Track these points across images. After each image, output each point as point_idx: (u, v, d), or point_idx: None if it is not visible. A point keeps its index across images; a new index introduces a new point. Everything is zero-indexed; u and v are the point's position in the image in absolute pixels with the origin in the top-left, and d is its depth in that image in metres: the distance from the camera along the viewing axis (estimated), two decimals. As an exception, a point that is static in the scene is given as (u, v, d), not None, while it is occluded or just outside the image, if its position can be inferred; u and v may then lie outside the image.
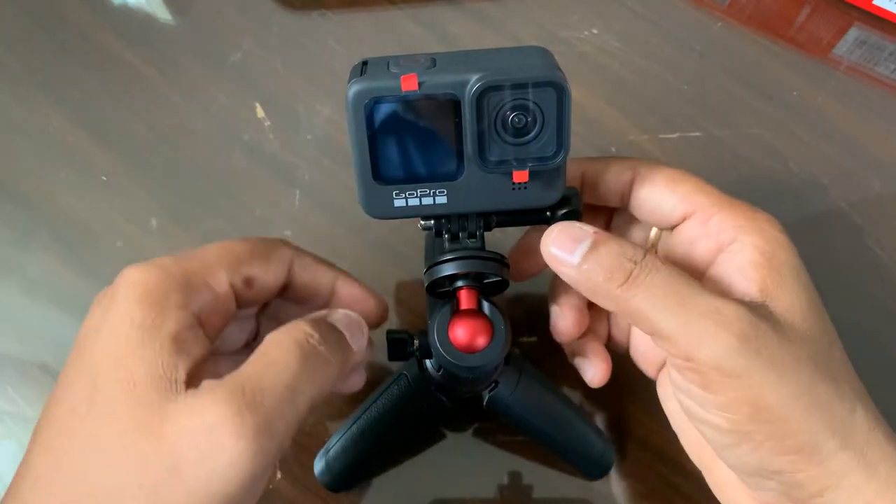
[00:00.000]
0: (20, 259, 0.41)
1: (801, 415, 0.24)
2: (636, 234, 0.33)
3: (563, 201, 0.29)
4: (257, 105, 0.45)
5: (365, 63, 0.27)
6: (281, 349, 0.25)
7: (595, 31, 0.48)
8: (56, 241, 0.42)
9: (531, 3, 0.49)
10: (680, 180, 0.29)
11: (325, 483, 0.34)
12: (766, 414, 0.24)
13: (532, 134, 0.26)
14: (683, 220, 0.29)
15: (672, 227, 0.30)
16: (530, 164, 0.27)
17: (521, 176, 0.27)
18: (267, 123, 0.45)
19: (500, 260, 0.29)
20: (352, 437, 0.33)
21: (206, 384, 0.24)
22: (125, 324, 0.24)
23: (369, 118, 0.26)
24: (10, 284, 0.41)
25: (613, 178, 0.30)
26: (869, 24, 0.48)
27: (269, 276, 0.29)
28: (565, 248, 0.26)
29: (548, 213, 0.29)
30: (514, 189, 0.28)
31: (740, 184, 0.43)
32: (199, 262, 0.27)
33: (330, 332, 0.27)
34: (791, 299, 0.26)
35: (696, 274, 0.28)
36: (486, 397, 0.33)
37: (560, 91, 0.26)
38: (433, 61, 0.26)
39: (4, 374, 0.39)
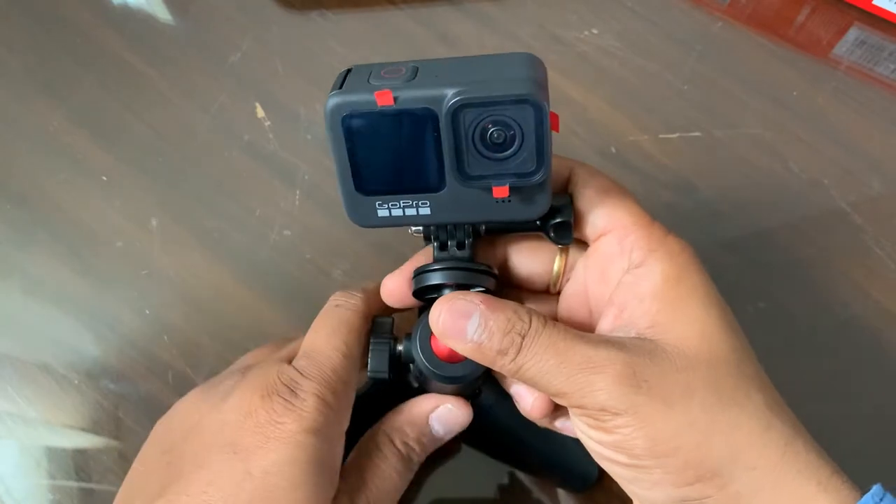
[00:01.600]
0: (20, 259, 0.41)
1: (698, 441, 0.25)
2: None
3: (554, 210, 0.29)
4: (257, 105, 0.45)
5: (348, 71, 0.27)
6: (390, 466, 0.30)
7: (595, 31, 0.48)
8: (56, 240, 0.42)
9: (531, 3, 0.49)
10: (609, 193, 0.29)
11: None
12: (661, 446, 0.25)
13: (511, 150, 0.26)
14: (604, 234, 0.29)
15: (593, 239, 0.30)
16: (509, 181, 0.26)
17: (500, 191, 0.26)
18: (267, 123, 0.45)
19: (486, 271, 0.29)
20: None
21: (346, 491, 0.29)
22: (302, 453, 0.27)
23: (348, 131, 0.26)
24: (10, 284, 0.41)
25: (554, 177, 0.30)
26: (869, 24, 0.48)
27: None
28: (457, 326, 0.26)
29: (538, 222, 0.29)
30: (497, 202, 0.27)
31: (740, 184, 0.43)
32: (337, 379, 0.29)
33: (430, 443, 0.32)
34: (685, 328, 0.26)
35: (608, 292, 0.29)
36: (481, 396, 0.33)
37: (537, 109, 0.25)
38: (415, 71, 0.26)
39: (4, 374, 0.39)
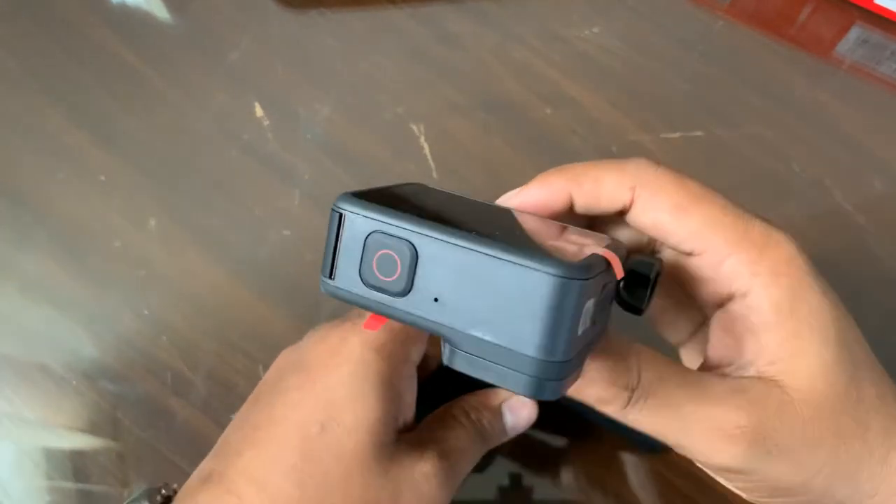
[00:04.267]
0: (18, 259, 0.41)
1: (823, 487, 0.24)
2: (625, 233, 0.29)
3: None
4: (256, 104, 0.45)
5: (340, 220, 0.21)
6: (466, 432, 0.31)
7: (596, 30, 0.47)
8: (54, 241, 0.42)
9: (532, 2, 0.48)
10: (688, 210, 0.25)
11: None
12: (785, 492, 0.25)
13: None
14: (691, 255, 0.26)
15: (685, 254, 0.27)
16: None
17: None
18: (266, 123, 0.45)
19: None
20: None
21: (416, 439, 0.29)
22: (363, 367, 0.27)
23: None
24: (7, 285, 0.41)
25: (607, 203, 0.26)
26: (871, 23, 0.48)
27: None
28: None
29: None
30: None
31: (742, 183, 0.43)
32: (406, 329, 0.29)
33: (500, 432, 0.32)
34: (811, 366, 0.24)
35: (695, 313, 0.27)
36: None
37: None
38: (412, 270, 0.20)
39: (2, 375, 0.39)
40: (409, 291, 0.20)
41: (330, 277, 0.21)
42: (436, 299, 0.20)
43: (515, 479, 0.36)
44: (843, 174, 0.43)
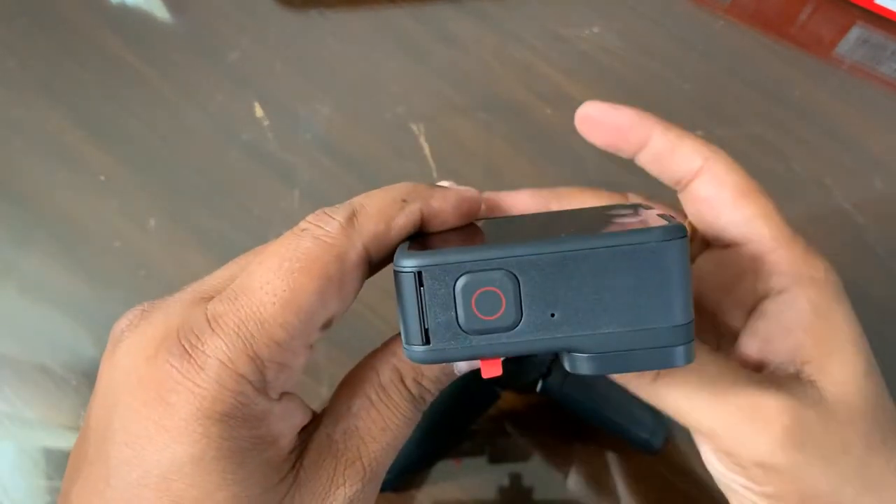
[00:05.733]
0: (18, 259, 0.41)
1: (852, 498, 0.24)
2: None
3: None
4: (256, 104, 0.45)
5: (419, 277, 0.19)
6: (399, 416, 0.23)
7: (596, 30, 0.47)
8: (54, 241, 0.42)
9: (532, 1, 0.48)
10: (749, 196, 0.26)
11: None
12: (814, 502, 0.23)
13: None
14: (735, 245, 0.26)
15: (723, 246, 0.27)
16: None
17: None
18: (266, 123, 0.45)
19: None
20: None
21: (318, 456, 0.22)
22: (203, 447, 0.20)
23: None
24: (7, 285, 0.41)
25: (680, 161, 0.27)
26: (871, 24, 0.48)
27: (346, 305, 0.22)
28: None
29: None
30: None
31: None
32: (263, 337, 0.20)
33: (448, 378, 0.24)
34: (844, 371, 0.24)
35: (738, 304, 0.26)
36: (540, 384, 0.33)
37: None
38: (518, 300, 0.19)
39: (2, 375, 0.39)
40: (520, 320, 0.19)
41: (425, 343, 0.19)
42: (552, 315, 0.19)
43: (515, 479, 0.36)
44: (842, 174, 0.43)
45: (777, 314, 0.25)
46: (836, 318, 0.24)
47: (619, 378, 0.24)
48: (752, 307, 0.26)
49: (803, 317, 0.24)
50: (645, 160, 0.28)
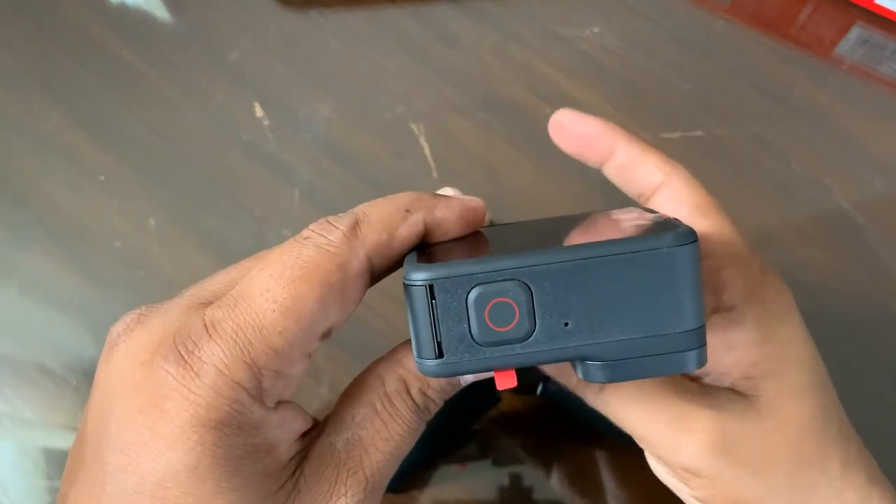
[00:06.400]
0: (17, 259, 0.41)
1: None
2: None
3: None
4: (256, 104, 0.45)
5: (430, 290, 0.19)
6: (403, 426, 0.23)
7: (596, 30, 0.47)
8: (53, 241, 0.42)
9: (532, 1, 0.48)
10: (706, 214, 0.26)
11: None
12: None
13: None
14: None
15: None
16: None
17: None
18: (266, 123, 0.45)
19: None
20: None
21: (319, 465, 0.22)
22: (199, 455, 0.20)
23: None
24: (7, 285, 0.41)
25: (643, 174, 0.28)
26: (871, 24, 0.48)
27: (347, 315, 0.22)
28: None
29: None
30: None
31: (742, 183, 0.43)
32: (262, 345, 0.20)
33: (454, 389, 0.25)
34: (782, 387, 0.25)
35: None
36: (541, 387, 0.33)
37: None
38: (531, 308, 0.19)
39: (2, 375, 0.39)
40: (533, 331, 0.19)
41: (438, 357, 0.19)
42: (566, 324, 0.19)
43: (516, 480, 0.36)
44: (843, 174, 0.43)
45: (723, 330, 0.25)
46: (780, 338, 0.25)
47: (573, 388, 0.25)
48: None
49: (747, 335, 0.25)
50: (610, 171, 0.29)
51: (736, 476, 0.24)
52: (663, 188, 0.27)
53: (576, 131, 0.29)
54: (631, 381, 0.23)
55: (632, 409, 0.24)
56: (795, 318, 0.26)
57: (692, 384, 0.25)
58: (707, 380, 0.26)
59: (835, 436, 0.26)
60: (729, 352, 0.25)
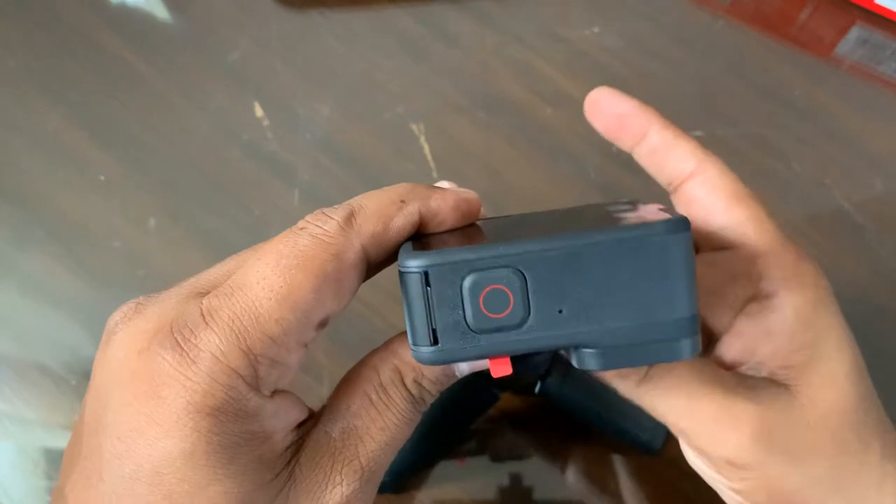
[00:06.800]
0: (17, 259, 0.41)
1: (820, 498, 0.24)
2: None
3: None
4: (256, 104, 0.45)
5: (426, 276, 0.19)
6: (398, 416, 0.23)
7: (596, 30, 0.47)
8: (54, 240, 0.42)
9: (532, 2, 0.48)
10: (742, 200, 0.26)
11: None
12: (782, 499, 0.24)
13: None
14: (727, 247, 0.26)
15: (714, 249, 0.27)
16: None
17: None
18: (266, 123, 0.45)
19: None
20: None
21: (315, 455, 0.22)
22: (195, 441, 0.20)
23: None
24: (7, 285, 0.41)
25: (675, 160, 0.27)
26: (871, 24, 0.48)
27: (343, 304, 0.22)
28: None
29: None
30: None
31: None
32: (258, 332, 0.20)
33: (450, 379, 0.24)
34: (822, 375, 0.24)
35: (727, 307, 0.26)
36: (539, 385, 0.33)
37: None
38: (525, 296, 0.19)
39: (2, 375, 0.39)
40: (528, 318, 0.19)
41: (433, 344, 0.19)
42: (560, 311, 0.19)
43: (515, 480, 0.36)
44: (842, 174, 0.43)
45: (761, 318, 0.25)
46: (819, 326, 0.25)
47: (607, 379, 0.25)
48: (740, 310, 0.26)
49: (786, 323, 0.25)
50: (641, 155, 0.29)
51: (779, 467, 0.24)
52: (697, 175, 0.27)
53: (611, 110, 0.29)
54: (670, 374, 0.23)
55: (672, 402, 0.24)
56: (833, 305, 0.25)
57: (730, 375, 0.25)
58: (743, 368, 0.25)
59: (874, 424, 0.25)
60: (767, 340, 0.25)
